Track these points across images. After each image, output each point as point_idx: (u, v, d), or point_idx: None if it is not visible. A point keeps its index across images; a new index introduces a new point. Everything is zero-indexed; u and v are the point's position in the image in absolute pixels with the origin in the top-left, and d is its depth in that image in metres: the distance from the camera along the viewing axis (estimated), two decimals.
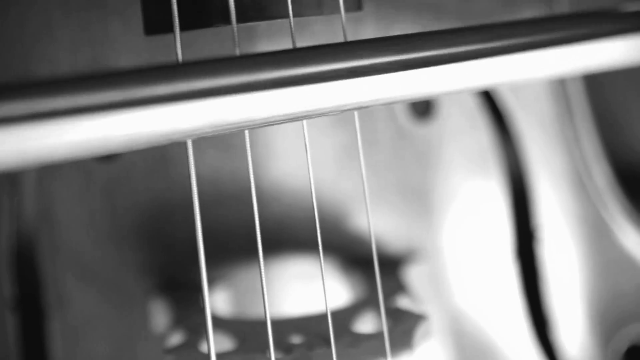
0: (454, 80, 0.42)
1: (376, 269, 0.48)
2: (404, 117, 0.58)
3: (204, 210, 0.55)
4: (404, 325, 0.50)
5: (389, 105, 0.42)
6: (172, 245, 0.57)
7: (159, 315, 0.56)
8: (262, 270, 0.45)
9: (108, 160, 0.56)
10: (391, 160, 0.58)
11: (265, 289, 0.45)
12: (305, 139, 0.46)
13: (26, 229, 0.57)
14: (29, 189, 0.57)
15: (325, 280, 0.47)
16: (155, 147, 0.56)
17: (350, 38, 0.55)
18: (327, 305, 0.46)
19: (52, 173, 0.56)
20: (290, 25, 0.45)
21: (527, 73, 0.43)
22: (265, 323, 0.51)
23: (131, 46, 0.55)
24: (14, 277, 0.57)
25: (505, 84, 0.43)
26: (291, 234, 0.57)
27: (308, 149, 0.46)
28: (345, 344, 0.49)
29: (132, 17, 0.55)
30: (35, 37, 0.55)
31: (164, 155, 0.56)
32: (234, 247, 0.57)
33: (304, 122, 0.46)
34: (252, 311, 0.57)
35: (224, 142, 0.56)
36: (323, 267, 0.56)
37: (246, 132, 0.46)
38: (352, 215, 0.57)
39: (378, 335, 0.49)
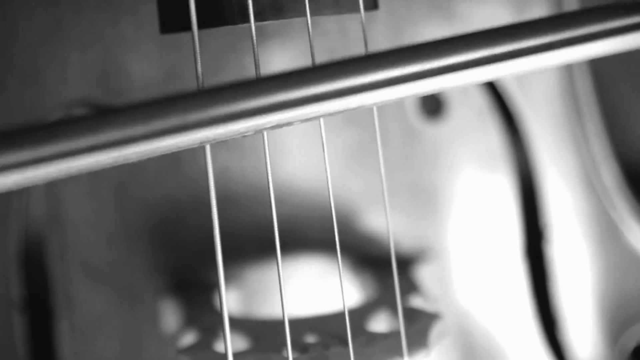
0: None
1: (394, 268, 0.48)
2: (414, 116, 0.58)
3: None
4: (419, 325, 0.50)
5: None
6: (182, 245, 0.56)
7: (170, 315, 0.55)
8: (280, 269, 0.45)
9: None
10: (401, 159, 0.58)
11: (282, 288, 0.45)
12: (322, 138, 0.46)
13: (35, 229, 0.57)
14: (38, 189, 0.56)
15: (337, 280, 0.47)
16: None
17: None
18: (345, 304, 0.46)
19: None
20: (308, 25, 0.45)
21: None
22: (277, 322, 0.51)
23: (143, 45, 0.55)
24: (23, 277, 0.57)
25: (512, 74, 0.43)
26: (302, 234, 0.57)
27: (325, 148, 0.46)
28: (361, 343, 0.49)
29: (145, 16, 0.54)
30: (45, 37, 0.55)
31: (174, 156, 0.56)
32: (244, 247, 0.57)
33: (321, 121, 0.46)
34: (263, 311, 0.57)
35: (234, 142, 0.56)
36: (334, 266, 0.57)
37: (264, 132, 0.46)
38: (363, 215, 0.57)
39: (393, 335, 0.49)
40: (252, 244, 0.57)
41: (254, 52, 0.44)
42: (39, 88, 0.55)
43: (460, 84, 0.42)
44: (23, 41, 0.55)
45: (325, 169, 0.47)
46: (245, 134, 0.39)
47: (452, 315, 0.58)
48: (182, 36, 0.53)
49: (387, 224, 0.48)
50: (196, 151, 0.56)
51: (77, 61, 0.55)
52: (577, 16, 0.43)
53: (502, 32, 0.43)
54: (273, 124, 0.39)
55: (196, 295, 0.55)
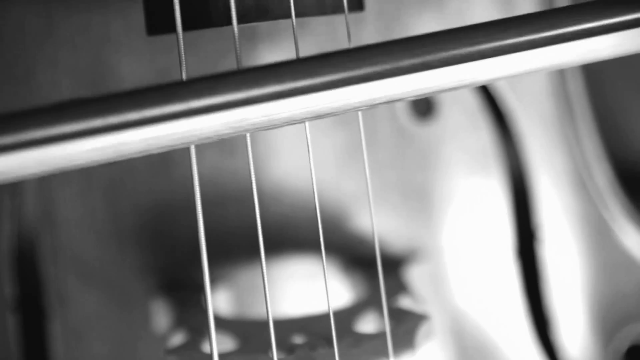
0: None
1: (379, 269, 0.48)
2: (405, 117, 0.58)
3: (205, 211, 0.55)
4: (406, 325, 0.50)
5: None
6: (173, 245, 0.57)
7: (160, 315, 0.55)
8: (264, 270, 0.45)
9: None
10: (392, 160, 0.58)
11: (267, 289, 0.45)
12: (307, 140, 0.46)
13: (27, 230, 0.57)
14: (31, 189, 0.57)
15: (326, 280, 0.47)
16: None
17: (351, 38, 0.55)
18: (330, 305, 0.46)
19: (53, 174, 0.56)
20: (293, 26, 0.46)
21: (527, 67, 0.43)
22: (266, 323, 0.51)
23: (132, 47, 0.55)
24: (15, 277, 0.57)
25: (506, 77, 0.43)
26: (292, 234, 0.57)
27: (310, 149, 0.46)
28: (348, 344, 0.49)
29: (133, 18, 0.55)
30: (36, 38, 0.55)
31: (164, 157, 0.56)
32: (234, 248, 0.57)
33: (307, 122, 0.46)
34: (253, 311, 0.57)
35: (224, 142, 0.56)
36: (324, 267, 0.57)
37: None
38: (352, 216, 0.57)
39: (380, 335, 0.49)
40: (243, 244, 0.57)
41: (236, 53, 0.44)
42: (29, 89, 0.55)
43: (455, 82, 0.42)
44: (14, 42, 0.55)
45: (310, 169, 0.47)
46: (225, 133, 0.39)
47: (444, 315, 0.58)
48: (172, 37, 0.53)
49: (371, 224, 0.48)
50: (186, 152, 0.56)
51: (67, 62, 0.55)
52: (572, 12, 0.43)
53: (492, 28, 0.42)
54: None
55: (186, 295, 0.55)
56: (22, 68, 0.55)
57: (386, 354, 0.48)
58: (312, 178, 0.46)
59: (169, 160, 0.56)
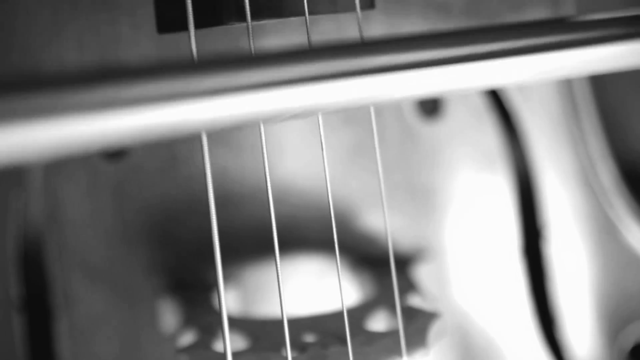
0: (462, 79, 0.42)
1: (392, 267, 0.48)
2: (411, 116, 0.58)
3: None
4: (417, 324, 0.50)
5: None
6: (181, 245, 0.57)
7: (168, 315, 0.55)
8: (279, 269, 0.45)
9: (116, 159, 0.56)
10: (399, 159, 0.58)
11: (281, 288, 0.45)
12: (321, 139, 0.46)
13: (33, 229, 0.57)
14: (36, 188, 0.56)
15: (335, 279, 0.47)
16: (163, 147, 0.56)
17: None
18: (343, 303, 0.46)
19: (59, 172, 0.56)
20: (306, 23, 0.46)
21: (533, 75, 0.43)
22: (276, 322, 0.51)
23: (140, 45, 0.55)
24: (21, 277, 0.57)
25: (510, 85, 0.43)
26: (300, 233, 0.57)
27: (324, 147, 0.46)
28: (360, 342, 0.49)
29: (142, 15, 0.54)
30: (43, 36, 0.55)
31: (172, 155, 0.56)
32: (242, 246, 0.57)
33: (320, 121, 0.46)
34: (261, 310, 0.57)
35: (232, 141, 0.56)
36: (332, 266, 0.57)
37: (262, 131, 0.46)
38: (361, 214, 0.57)
39: (392, 334, 0.49)
40: (251, 243, 0.57)
41: (251, 51, 0.44)
42: None
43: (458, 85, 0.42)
44: (21, 41, 0.55)
45: (324, 168, 0.47)
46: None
47: (451, 314, 0.58)
48: (180, 36, 0.53)
49: (385, 223, 0.48)
50: (194, 150, 0.56)
51: (75, 61, 0.55)
52: (578, 22, 0.43)
53: (499, 31, 0.43)
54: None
55: (195, 294, 0.55)
56: (29, 67, 0.55)
57: (399, 353, 0.48)
58: (325, 177, 0.46)
59: (176, 159, 0.56)
